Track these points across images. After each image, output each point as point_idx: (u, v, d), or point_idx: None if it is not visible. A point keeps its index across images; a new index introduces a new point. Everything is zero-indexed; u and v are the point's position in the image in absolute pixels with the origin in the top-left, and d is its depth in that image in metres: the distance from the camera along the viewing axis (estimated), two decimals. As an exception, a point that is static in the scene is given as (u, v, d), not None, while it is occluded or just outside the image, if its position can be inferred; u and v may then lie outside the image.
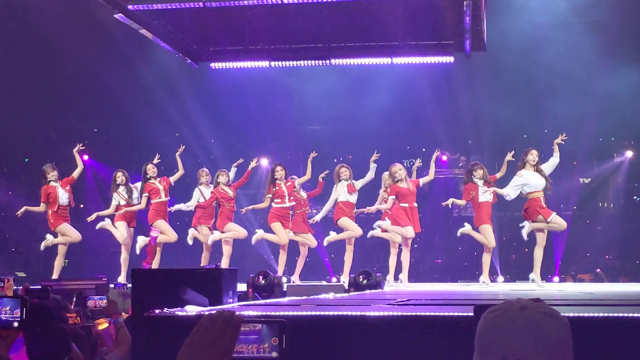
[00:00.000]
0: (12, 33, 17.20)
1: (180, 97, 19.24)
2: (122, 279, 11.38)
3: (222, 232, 11.50)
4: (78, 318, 5.65)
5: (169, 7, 10.63)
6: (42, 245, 11.70)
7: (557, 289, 10.39)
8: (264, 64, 12.78)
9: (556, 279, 14.14)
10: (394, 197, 10.71)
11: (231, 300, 6.52)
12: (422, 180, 11.24)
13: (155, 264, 11.62)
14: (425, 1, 11.23)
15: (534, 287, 9.96)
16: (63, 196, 11.50)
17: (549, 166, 10.29)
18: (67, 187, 11.63)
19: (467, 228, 10.79)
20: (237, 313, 1.68)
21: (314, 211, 12.09)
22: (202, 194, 11.67)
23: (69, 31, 16.22)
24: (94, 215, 11.97)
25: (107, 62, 17.98)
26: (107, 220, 11.79)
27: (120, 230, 11.65)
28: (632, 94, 17.80)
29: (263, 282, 9.90)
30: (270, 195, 11.26)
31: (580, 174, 20.98)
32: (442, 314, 4.01)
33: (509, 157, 10.68)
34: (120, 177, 11.82)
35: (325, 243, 11.51)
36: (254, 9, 11.34)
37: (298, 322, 3.88)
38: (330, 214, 11.65)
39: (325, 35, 12.18)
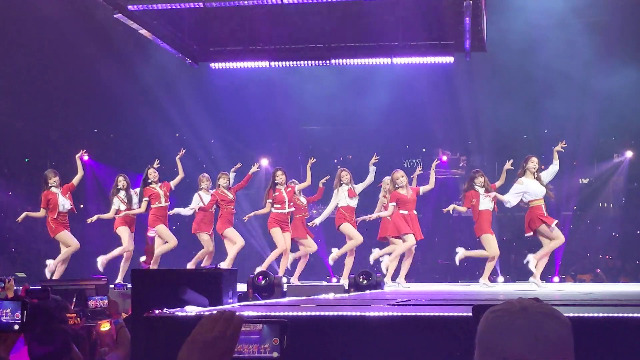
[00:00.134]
0: (12, 33, 17.19)
1: (180, 98, 19.23)
2: (119, 279, 11.38)
3: (222, 235, 11.53)
4: (78, 318, 5.65)
5: (169, 7, 10.62)
6: (48, 273, 11.63)
7: (557, 289, 10.40)
8: (264, 64, 12.77)
9: (556, 279, 14.14)
10: (394, 203, 10.70)
11: (231, 300, 6.52)
12: (423, 189, 11.22)
13: (154, 265, 11.62)
14: (425, 1, 11.22)
15: (534, 287, 9.96)
16: (64, 203, 11.49)
17: (548, 174, 10.27)
18: (68, 194, 11.62)
19: (461, 253, 10.82)
20: (237, 313, 1.68)
21: (314, 212, 12.10)
22: (201, 199, 11.67)
23: (69, 31, 16.21)
24: (94, 217, 11.97)
25: (107, 62, 17.97)
26: (100, 259, 11.75)
27: (123, 237, 11.66)
28: (632, 93, 17.80)
29: (263, 282, 9.90)
30: (270, 200, 11.28)
31: (580, 174, 20.98)
32: (441, 314, 4.01)
33: (507, 165, 10.67)
34: (121, 181, 11.83)
35: (331, 262, 11.51)
36: (254, 9, 11.33)
37: (298, 322, 3.88)
38: (331, 214, 11.66)
39: (325, 35, 12.17)
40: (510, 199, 10.15)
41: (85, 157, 12.43)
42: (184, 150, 12.28)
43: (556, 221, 10.09)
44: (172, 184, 11.88)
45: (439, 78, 18.35)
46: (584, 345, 2.54)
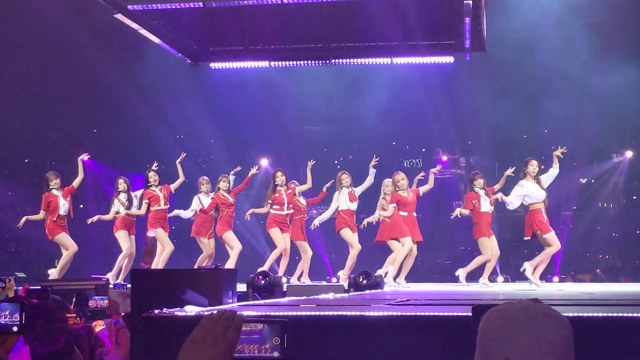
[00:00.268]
0: (13, 33, 17.19)
1: (180, 98, 19.23)
2: (120, 279, 11.38)
3: (221, 238, 11.54)
4: (78, 319, 5.65)
5: (169, 7, 10.62)
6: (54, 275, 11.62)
7: (557, 289, 10.40)
8: (264, 64, 12.77)
9: (556, 279, 14.14)
10: (394, 205, 10.71)
11: (231, 300, 6.52)
12: (422, 189, 11.26)
13: (154, 264, 11.62)
14: (425, 1, 11.22)
15: (533, 287, 9.96)
16: (63, 206, 11.48)
17: (549, 177, 10.29)
18: (68, 197, 11.62)
19: (462, 275, 10.89)
20: (238, 313, 1.68)
21: (314, 212, 12.10)
22: (201, 202, 11.66)
23: (69, 31, 16.22)
24: (95, 218, 11.98)
25: (107, 62, 17.97)
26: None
27: (123, 241, 11.66)
28: (631, 93, 17.81)
29: (263, 282, 9.89)
30: (270, 202, 11.33)
31: (580, 174, 20.97)
32: (441, 314, 4.01)
33: (509, 172, 10.66)
34: (122, 184, 11.84)
35: (344, 281, 11.45)
36: (253, 9, 11.33)
37: (298, 322, 3.88)
38: (332, 216, 11.67)
39: (325, 35, 12.17)
40: (513, 200, 10.20)
41: (86, 158, 12.42)
42: (184, 154, 12.25)
43: (552, 232, 10.09)
44: (173, 187, 11.87)
45: (439, 78, 18.35)
46: (584, 345, 2.54)
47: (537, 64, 18.43)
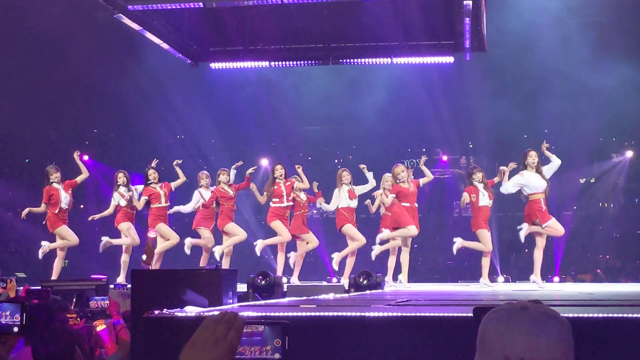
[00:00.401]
0: (13, 34, 17.20)
1: (180, 98, 19.24)
2: (121, 279, 11.37)
3: (223, 231, 11.51)
4: (78, 319, 5.65)
5: (169, 7, 10.61)
6: (40, 253, 11.66)
7: (557, 289, 10.39)
8: (264, 64, 12.77)
9: (556, 279, 14.13)
10: (394, 195, 10.71)
11: (231, 300, 6.52)
12: (422, 181, 11.26)
13: (156, 262, 11.62)
14: (425, 1, 11.22)
15: (534, 287, 9.96)
16: (65, 199, 11.49)
17: (551, 168, 10.28)
18: (69, 190, 11.62)
19: (459, 242, 10.81)
20: (239, 315, 1.68)
21: (314, 212, 12.07)
22: (202, 196, 11.65)
23: (69, 31, 16.23)
24: (97, 216, 11.97)
25: (107, 62, 17.98)
26: (105, 238, 11.78)
27: (129, 232, 11.65)
28: (631, 92, 17.81)
29: (263, 282, 9.89)
30: (268, 194, 11.28)
31: (580, 174, 20.99)
32: (441, 314, 4.01)
33: (511, 166, 10.61)
34: (121, 177, 11.83)
35: (335, 267, 11.42)
36: (253, 9, 11.34)
37: (298, 322, 3.88)
38: (332, 214, 11.64)
39: (325, 35, 12.17)
40: (509, 186, 10.22)
41: (85, 157, 12.41)
42: (181, 161, 12.19)
43: (552, 219, 10.08)
44: (173, 185, 11.87)
45: (439, 78, 18.37)
46: (584, 345, 2.54)
47: (537, 63, 18.45)
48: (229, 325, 1.64)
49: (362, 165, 11.47)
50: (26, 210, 11.77)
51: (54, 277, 11.32)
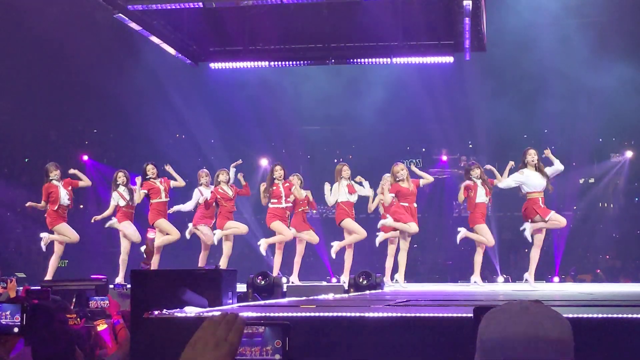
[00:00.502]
0: (13, 34, 17.20)
1: (180, 98, 19.24)
2: (120, 279, 11.36)
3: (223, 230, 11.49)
4: (78, 319, 5.65)
5: (169, 7, 10.62)
6: (43, 245, 11.67)
7: (557, 289, 10.39)
8: (264, 64, 12.77)
9: (556, 279, 14.14)
10: (393, 195, 10.69)
11: (230, 301, 6.51)
12: (422, 182, 11.20)
13: (154, 265, 11.61)
14: (425, 1, 11.22)
15: (530, 286, 9.95)
16: (64, 196, 11.48)
17: (553, 170, 10.23)
18: (69, 187, 11.61)
19: (462, 232, 10.79)
20: (240, 316, 1.68)
21: (314, 212, 12.04)
22: (201, 194, 11.65)
23: (69, 32, 16.23)
24: (99, 217, 11.90)
25: (107, 62, 17.98)
26: (114, 219, 11.74)
27: (130, 230, 11.64)
28: (632, 93, 17.82)
29: (263, 282, 9.88)
30: (267, 195, 11.25)
31: (580, 174, 20.99)
32: (441, 314, 4.01)
33: (510, 165, 10.61)
34: (121, 177, 11.79)
35: (333, 255, 11.37)
36: (253, 9, 11.34)
37: (298, 323, 3.88)
38: (331, 213, 11.62)
39: (325, 35, 12.17)
40: (508, 181, 10.23)
41: (85, 157, 12.39)
42: (169, 166, 12.13)
43: (552, 212, 10.08)
44: (172, 184, 11.86)
45: (439, 78, 18.37)
46: (584, 345, 2.54)
47: (536, 63, 18.45)
48: (230, 326, 1.64)
49: (358, 178, 11.40)
50: (29, 203, 11.75)
51: (48, 277, 11.24)
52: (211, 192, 11.57)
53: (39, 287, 8.20)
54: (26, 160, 21.16)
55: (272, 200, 11.19)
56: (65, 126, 21.15)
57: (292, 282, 10.95)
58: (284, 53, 12.64)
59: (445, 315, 3.98)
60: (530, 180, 10.05)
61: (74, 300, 7.34)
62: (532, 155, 10.12)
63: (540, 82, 18.85)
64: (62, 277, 11.44)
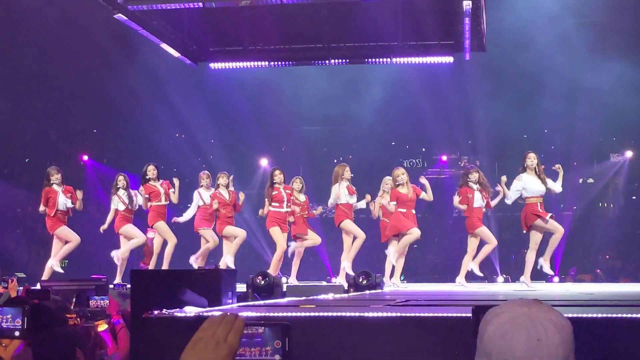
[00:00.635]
0: (13, 35, 17.20)
1: (180, 98, 19.23)
2: (118, 279, 11.35)
3: (222, 235, 11.48)
4: (78, 319, 5.64)
5: (169, 7, 10.62)
6: (59, 269, 11.56)
7: (557, 289, 10.38)
8: (264, 64, 12.77)
9: (556, 279, 14.13)
10: (394, 203, 10.62)
11: (230, 301, 6.51)
12: (424, 195, 11.04)
13: (153, 265, 11.61)
14: (424, 1, 11.22)
15: (524, 288, 9.93)
16: (63, 202, 11.42)
17: (550, 186, 10.17)
18: (68, 195, 11.54)
19: (475, 268, 10.76)
20: (239, 316, 1.68)
21: (314, 211, 12.00)
22: (201, 197, 11.62)
23: (69, 32, 16.22)
24: (105, 225, 11.79)
25: (107, 62, 17.97)
26: (115, 253, 11.65)
27: (133, 233, 11.58)
28: (631, 92, 17.82)
29: (262, 282, 9.87)
30: (267, 199, 11.22)
31: (580, 174, 20.99)
32: (441, 314, 4.01)
33: (503, 181, 10.52)
34: (121, 180, 11.74)
35: (349, 272, 11.28)
36: (253, 9, 11.34)
37: (298, 323, 3.88)
38: (331, 214, 11.60)
39: (324, 35, 12.17)
40: (511, 194, 10.16)
41: (85, 157, 12.36)
42: (177, 181, 12.04)
43: (550, 214, 10.03)
44: (170, 192, 11.73)
45: (439, 78, 18.37)
46: (584, 345, 2.54)
47: (536, 63, 18.45)
48: (230, 326, 1.64)
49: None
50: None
51: (44, 277, 11.20)
52: (210, 195, 11.54)
53: (39, 287, 8.20)
54: (26, 160, 21.16)
55: (273, 204, 11.15)
56: (65, 126, 21.14)
57: (291, 282, 10.94)
58: (284, 53, 12.64)
59: (445, 315, 3.98)
60: (529, 185, 9.97)
61: (74, 300, 7.34)
62: (531, 159, 10.01)
63: (540, 82, 18.84)
64: (63, 277, 11.42)
